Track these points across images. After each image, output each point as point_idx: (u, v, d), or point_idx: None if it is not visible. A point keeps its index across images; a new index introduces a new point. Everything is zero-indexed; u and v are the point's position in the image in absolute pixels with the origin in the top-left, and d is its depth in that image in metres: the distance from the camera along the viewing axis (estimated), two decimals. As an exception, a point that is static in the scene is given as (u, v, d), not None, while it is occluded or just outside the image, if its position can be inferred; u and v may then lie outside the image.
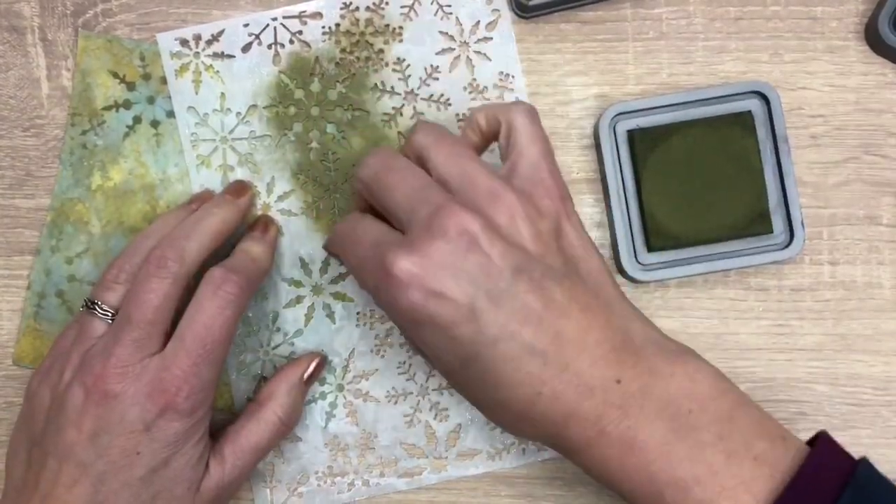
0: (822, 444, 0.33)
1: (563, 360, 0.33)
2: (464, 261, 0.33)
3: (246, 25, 0.44)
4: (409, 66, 0.44)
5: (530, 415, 0.34)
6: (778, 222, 0.43)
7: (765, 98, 0.42)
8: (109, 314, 0.38)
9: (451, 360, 0.34)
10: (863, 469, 0.32)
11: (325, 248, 0.40)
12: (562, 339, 0.33)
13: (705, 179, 0.42)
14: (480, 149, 0.39)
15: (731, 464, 0.32)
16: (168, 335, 0.37)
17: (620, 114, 0.43)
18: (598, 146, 0.44)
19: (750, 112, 0.42)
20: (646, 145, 0.42)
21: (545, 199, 0.35)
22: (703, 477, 0.32)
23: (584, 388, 0.33)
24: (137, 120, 0.44)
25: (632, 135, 0.42)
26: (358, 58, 0.44)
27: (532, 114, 0.37)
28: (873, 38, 0.43)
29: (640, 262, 0.43)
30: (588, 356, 0.33)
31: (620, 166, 0.43)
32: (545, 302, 0.33)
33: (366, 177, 0.36)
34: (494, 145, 0.39)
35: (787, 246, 0.42)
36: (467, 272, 0.33)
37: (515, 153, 0.36)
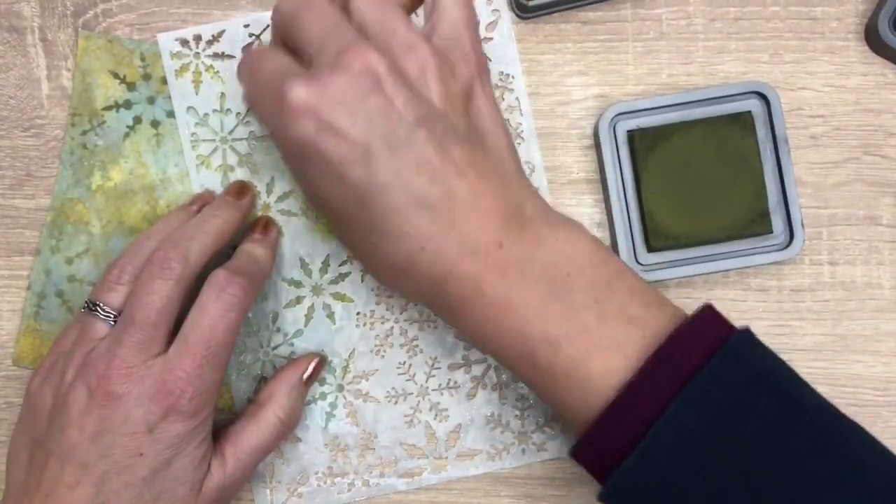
0: (704, 312, 0.34)
1: (450, 218, 0.33)
2: (364, 100, 0.32)
3: (246, 26, 0.44)
4: (409, 66, 0.44)
5: (411, 270, 0.34)
6: (778, 222, 0.43)
7: (764, 98, 0.42)
8: (112, 316, 0.38)
9: (337, 204, 0.34)
10: (741, 335, 0.33)
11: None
12: (453, 197, 0.33)
13: (705, 180, 0.42)
14: (409, 8, 0.38)
15: (604, 324, 0.33)
16: (171, 336, 0.37)
17: (620, 114, 0.43)
18: (598, 146, 0.44)
19: (750, 112, 0.42)
20: (646, 145, 0.42)
21: (461, 63, 0.35)
22: (574, 335, 0.33)
23: (466, 249, 0.33)
24: (138, 120, 0.44)
25: (632, 135, 0.43)
26: (358, 58, 0.44)
27: None
28: (873, 39, 0.43)
29: (639, 263, 0.43)
30: (476, 220, 0.33)
31: (620, 166, 0.43)
32: (442, 157, 0.33)
33: (283, 9, 0.35)
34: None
35: (786, 246, 0.42)
36: (366, 112, 0.32)
37: (437, 14, 0.36)
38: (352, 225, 0.34)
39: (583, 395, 0.33)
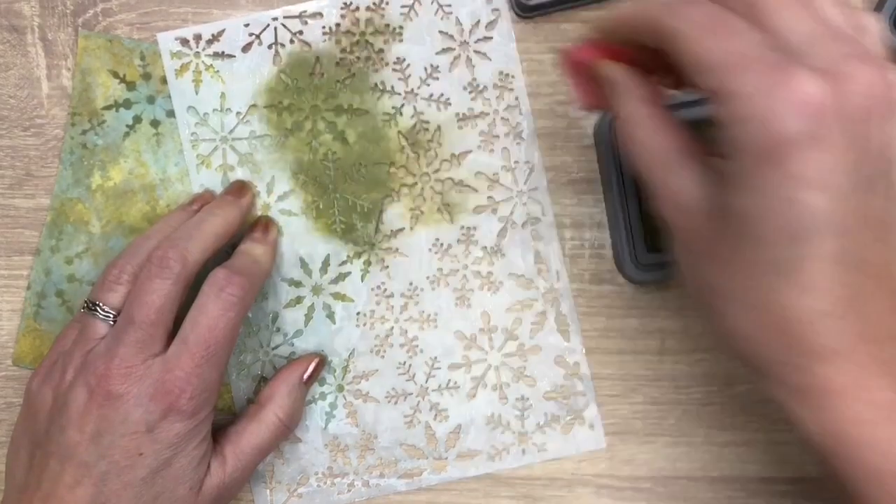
0: None
1: (865, 291, 0.28)
2: (861, 123, 0.27)
3: (246, 25, 0.44)
4: (409, 65, 0.44)
5: (795, 331, 0.28)
6: (779, 222, 0.42)
7: (766, 98, 0.42)
8: (111, 315, 0.38)
9: (757, 226, 0.28)
10: None
11: (635, 17, 0.31)
12: (887, 268, 0.28)
13: (706, 180, 0.42)
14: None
15: None
16: (170, 336, 0.37)
17: (621, 113, 0.43)
18: (598, 145, 0.43)
19: (751, 112, 0.42)
20: (647, 145, 0.42)
21: None
22: None
23: (870, 335, 0.28)
24: (137, 119, 0.44)
25: (632, 135, 0.42)
26: (358, 57, 0.44)
27: None
28: (875, 38, 0.43)
29: (640, 263, 0.43)
30: (891, 302, 0.28)
31: (621, 166, 0.43)
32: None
33: (686, 25, 0.29)
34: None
35: (788, 246, 0.42)
36: (857, 135, 0.27)
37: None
38: (753, 258, 0.28)
39: None
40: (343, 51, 0.44)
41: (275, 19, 0.44)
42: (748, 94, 0.27)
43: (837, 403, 0.28)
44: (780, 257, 0.28)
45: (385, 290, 0.44)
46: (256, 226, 0.43)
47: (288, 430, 0.41)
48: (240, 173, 0.44)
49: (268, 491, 0.44)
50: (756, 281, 0.28)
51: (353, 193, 0.44)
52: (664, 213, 0.32)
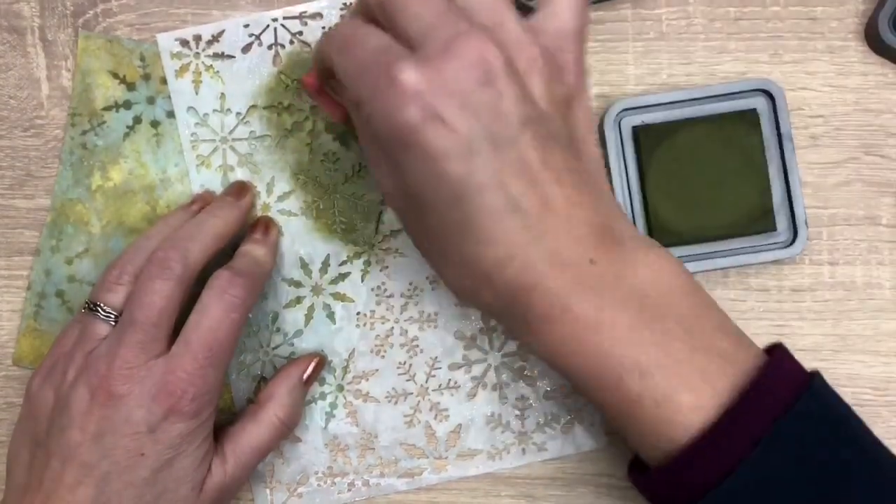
0: (780, 351, 0.33)
1: (543, 227, 0.31)
2: (476, 92, 0.30)
3: (246, 26, 0.44)
4: (409, 66, 0.44)
5: (494, 278, 0.32)
6: (781, 220, 0.43)
7: (770, 96, 0.42)
8: (112, 316, 0.38)
9: (427, 199, 0.32)
10: (820, 379, 0.33)
11: (317, 50, 0.36)
12: (548, 205, 0.31)
13: (709, 177, 0.42)
14: None
15: (695, 356, 0.32)
16: (172, 336, 0.37)
17: (626, 109, 0.43)
18: (602, 142, 0.44)
19: (755, 110, 0.42)
20: (650, 142, 0.42)
21: (564, 70, 0.33)
22: (667, 365, 0.32)
23: (556, 261, 0.31)
24: (137, 120, 0.44)
25: (637, 131, 0.43)
26: (358, 58, 0.44)
27: None
28: (873, 39, 0.43)
29: (640, 262, 0.43)
30: (569, 231, 0.32)
31: (625, 162, 0.43)
32: (544, 162, 0.31)
33: (329, 46, 0.34)
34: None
35: (790, 244, 0.42)
36: (475, 105, 0.30)
37: (550, 14, 0.34)
38: (437, 224, 0.32)
39: (667, 427, 0.32)
40: (343, 51, 0.44)
41: (274, 20, 0.44)
42: (368, 98, 0.31)
43: (549, 328, 0.32)
44: (455, 219, 0.32)
45: (385, 290, 0.44)
46: (257, 227, 0.43)
47: (288, 430, 0.41)
48: (240, 174, 0.44)
49: (268, 490, 0.44)
50: (447, 243, 0.33)
51: (353, 194, 0.44)
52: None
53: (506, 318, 0.34)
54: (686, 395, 0.32)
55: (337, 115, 0.39)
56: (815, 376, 0.33)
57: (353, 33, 0.33)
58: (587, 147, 0.34)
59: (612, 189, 0.43)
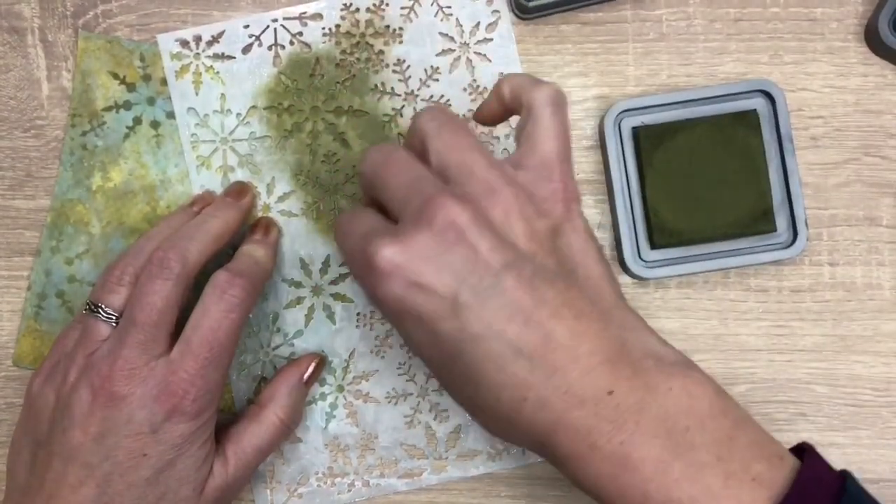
0: (809, 458, 0.32)
1: (550, 365, 0.31)
2: (449, 253, 0.31)
3: (246, 27, 0.44)
4: (409, 67, 0.44)
5: (515, 420, 0.32)
6: (781, 221, 0.43)
7: (770, 97, 0.42)
8: (113, 317, 0.38)
9: (435, 357, 0.33)
10: (850, 483, 0.32)
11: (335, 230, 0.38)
12: (551, 342, 0.31)
13: (709, 177, 0.42)
14: (499, 119, 0.38)
15: (729, 485, 0.31)
16: (173, 337, 0.37)
17: (626, 110, 0.43)
18: (602, 143, 0.44)
19: (755, 111, 0.42)
20: (651, 142, 0.42)
21: (548, 200, 0.34)
22: (700, 498, 0.31)
23: (572, 398, 0.31)
24: (138, 121, 0.44)
25: (637, 132, 0.43)
26: (358, 59, 0.44)
27: (557, 103, 0.35)
28: (873, 40, 0.43)
29: (643, 259, 0.43)
30: (579, 365, 0.31)
31: (625, 163, 0.43)
32: (534, 301, 0.31)
33: (366, 170, 0.35)
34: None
35: (790, 245, 0.43)
36: (451, 265, 0.31)
37: (528, 145, 0.35)
38: (450, 376, 0.33)
39: None
40: (343, 52, 0.44)
41: (274, 21, 0.44)
42: (359, 280, 0.34)
43: (580, 465, 0.32)
44: (462, 372, 0.32)
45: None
46: (257, 227, 0.43)
47: (288, 431, 0.41)
48: (240, 174, 0.44)
49: (268, 491, 0.44)
50: (464, 392, 0.33)
51: (354, 194, 0.44)
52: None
53: (543, 456, 0.34)
54: None
55: None
56: (848, 479, 0.32)
57: (350, 220, 0.36)
58: (585, 270, 0.34)
59: (613, 196, 0.43)
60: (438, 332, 0.32)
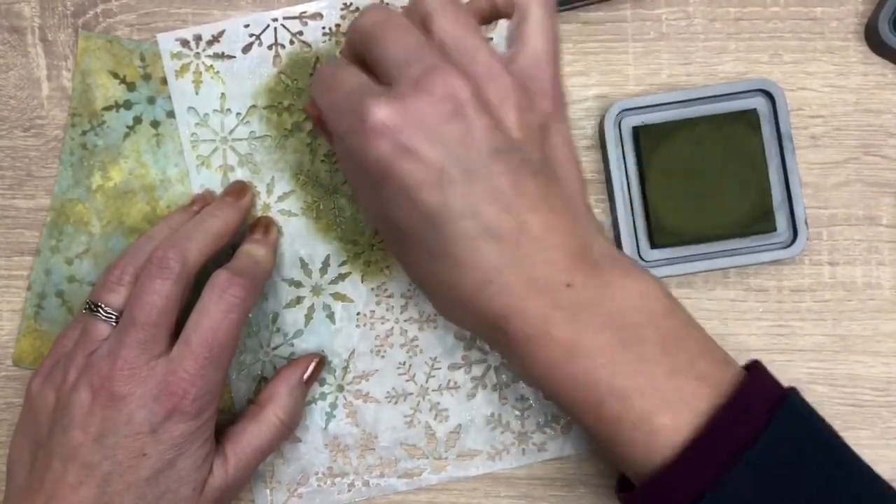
0: (757, 369, 0.34)
1: (519, 252, 0.32)
2: (445, 125, 0.32)
3: (246, 26, 0.44)
4: (409, 66, 0.44)
5: (475, 303, 0.33)
6: (781, 220, 0.43)
7: (770, 96, 0.42)
8: (113, 316, 0.38)
9: (405, 227, 0.33)
10: (796, 397, 0.33)
11: (309, 87, 0.38)
12: (524, 231, 0.32)
13: (710, 177, 0.42)
14: (487, 19, 0.38)
15: (673, 378, 0.32)
16: (173, 336, 0.37)
17: (626, 110, 0.43)
18: (602, 142, 0.44)
19: (755, 110, 0.42)
20: (651, 142, 0.42)
21: (539, 97, 0.34)
22: (645, 388, 0.32)
23: (534, 287, 0.32)
24: (138, 120, 0.44)
25: (637, 131, 0.43)
26: (358, 58, 0.44)
27: (548, 4, 0.36)
28: (873, 39, 0.43)
29: (643, 259, 0.43)
30: (545, 256, 0.32)
31: (625, 162, 0.43)
32: (517, 190, 0.32)
33: (363, 26, 0.35)
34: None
35: (790, 244, 0.42)
36: (445, 137, 0.32)
37: (521, 43, 0.35)
38: (417, 250, 0.34)
39: (646, 449, 0.32)
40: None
41: (275, 20, 0.44)
42: (345, 135, 0.34)
43: (531, 352, 0.33)
44: (433, 246, 0.33)
45: (385, 290, 0.44)
46: (257, 227, 0.43)
47: (288, 431, 0.41)
48: (240, 174, 0.44)
49: (268, 491, 0.44)
50: (428, 268, 0.34)
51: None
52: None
53: (491, 342, 0.35)
54: (663, 418, 0.32)
55: (332, 143, 0.41)
56: (791, 393, 0.33)
57: (333, 74, 0.35)
58: (565, 172, 0.35)
59: (613, 196, 0.43)
60: (419, 203, 0.32)
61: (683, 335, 0.33)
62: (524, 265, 0.32)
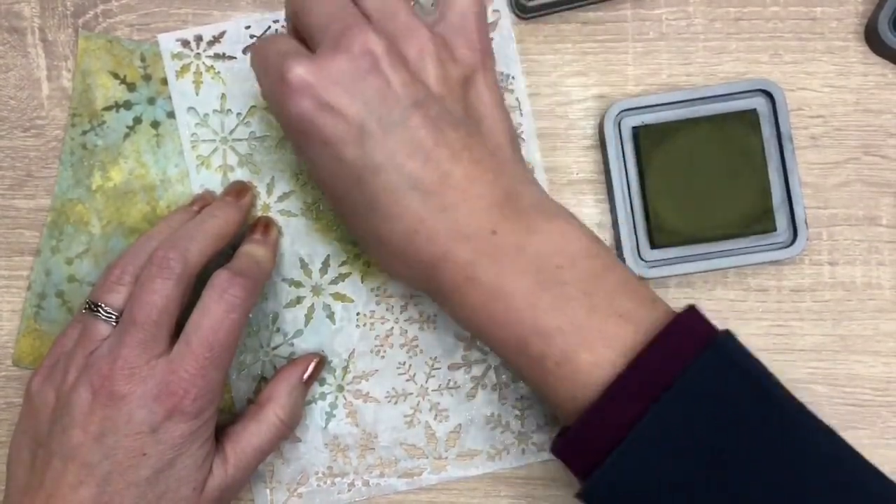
0: (689, 312, 0.34)
1: (443, 202, 0.33)
2: (362, 80, 0.33)
3: (247, 27, 0.44)
4: (409, 66, 0.44)
5: (406, 253, 0.34)
6: (781, 220, 0.43)
7: (770, 96, 0.42)
8: (113, 316, 0.38)
9: (339, 185, 0.35)
10: (725, 335, 0.33)
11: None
12: (446, 181, 0.33)
13: (710, 177, 0.42)
14: None
15: (593, 318, 0.33)
16: (173, 336, 0.37)
17: (625, 110, 0.43)
18: (602, 143, 0.44)
19: (755, 110, 0.42)
20: (650, 142, 0.42)
21: (463, 49, 0.36)
22: (565, 327, 0.33)
23: (458, 234, 0.34)
24: (138, 120, 0.44)
25: (637, 131, 0.43)
26: (358, 58, 0.44)
27: None
28: (873, 39, 0.43)
29: (643, 259, 0.43)
30: (468, 205, 0.34)
31: (625, 162, 0.43)
32: (436, 140, 0.33)
33: None
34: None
35: (790, 244, 0.43)
36: (362, 92, 0.33)
37: (447, 2, 0.37)
38: (350, 205, 0.35)
39: (571, 388, 0.33)
40: (343, 52, 0.44)
41: (275, 21, 0.44)
42: (269, 96, 0.35)
43: (459, 297, 0.34)
44: (360, 200, 0.34)
45: (385, 290, 0.44)
46: (257, 227, 0.43)
47: (288, 431, 0.41)
48: (240, 174, 0.44)
49: (268, 491, 0.44)
50: (361, 222, 0.35)
51: (354, 194, 0.44)
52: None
53: (428, 292, 0.36)
54: (584, 355, 0.32)
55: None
56: (723, 334, 0.33)
57: (265, 42, 0.37)
58: (490, 123, 0.36)
59: (613, 196, 0.43)
60: (342, 158, 0.34)
61: (605, 275, 0.34)
62: (448, 214, 0.34)
